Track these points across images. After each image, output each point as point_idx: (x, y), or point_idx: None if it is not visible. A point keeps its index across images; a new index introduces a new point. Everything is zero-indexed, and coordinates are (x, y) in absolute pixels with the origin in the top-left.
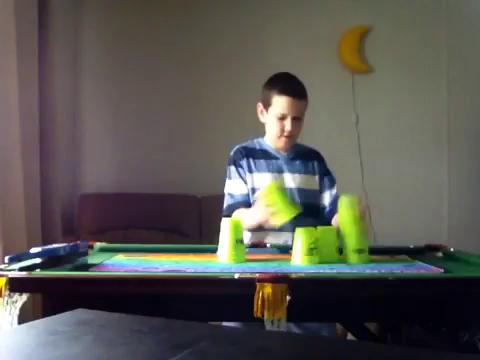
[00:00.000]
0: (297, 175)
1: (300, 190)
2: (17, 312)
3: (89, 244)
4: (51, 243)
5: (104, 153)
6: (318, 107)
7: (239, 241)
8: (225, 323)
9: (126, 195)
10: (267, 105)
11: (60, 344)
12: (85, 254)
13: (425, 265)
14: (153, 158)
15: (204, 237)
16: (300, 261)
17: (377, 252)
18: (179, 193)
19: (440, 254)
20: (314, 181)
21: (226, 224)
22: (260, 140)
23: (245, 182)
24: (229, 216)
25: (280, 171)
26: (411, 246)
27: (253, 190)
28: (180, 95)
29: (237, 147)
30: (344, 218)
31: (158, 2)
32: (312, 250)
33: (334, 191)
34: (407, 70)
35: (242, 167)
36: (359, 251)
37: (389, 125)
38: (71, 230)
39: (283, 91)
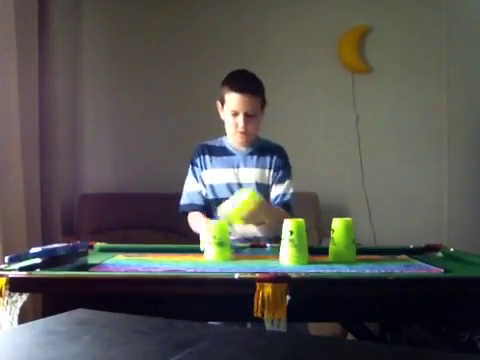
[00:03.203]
0: (252, 169)
1: (256, 184)
2: (17, 312)
3: (89, 244)
4: (51, 243)
5: (104, 153)
6: (318, 107)
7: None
8: (224, 323)
9: (126, 195)
10: (222, 102)
11: (59, 344)
12: (85, 254)
13: (425, 265)
14: (153, 158)
15: None
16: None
17: (377, 252)
18: (179, 193)
19: (440, 254)
20: (267, 175)
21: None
22: (223, 138)
23: (197, 180)
24: (184, 213)
25: (235, 166)
26: (411, 246)
27: (211, 187)
28: (180, 95)
29: (197, 145)
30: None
31: (158, 2)
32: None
33: (282, 187)
34: (407, 70)
35: (197, 165)
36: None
37: (389, 125)
38: (71, 230)
39: (233, 88)
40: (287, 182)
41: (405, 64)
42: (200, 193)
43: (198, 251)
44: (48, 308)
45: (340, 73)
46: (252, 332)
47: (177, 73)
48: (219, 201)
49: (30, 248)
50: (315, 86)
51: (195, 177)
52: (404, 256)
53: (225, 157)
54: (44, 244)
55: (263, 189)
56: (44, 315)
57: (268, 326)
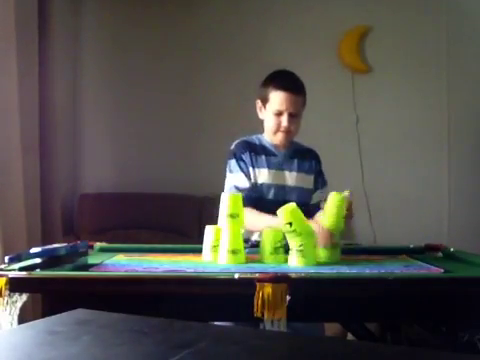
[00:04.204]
0: (295, 173)
1: (297, 188)
2: (17, 312)
3: (89, 244)
4: (51, 243)
5: (104, 153)
6: (318, 107)
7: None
8: (224, 323)
9: (126, 195)
10: (265, 101)
11: (59, 344)
12: (85, 254)
13: (425, 265)
14: (153, 158)
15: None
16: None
17: (377, 252)
18: (179, 193)
19: (440, 254)
20: (310, 180)
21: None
22: (259, 136)
23: (247, 175)
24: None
25: (279, 168)
26: (411, 246)
27: (255, 185)
28: (180, 95)
29: (239, 141)
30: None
31: (157, 2)
32: (277, 249)
33: (327, 193)
34: (407, 70)
35: (244, 161)
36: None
37: (389, 125)
38: (71, 230)
39: (279, 86)
40: (326, 187)
41: (405, 64)
42: (251, 190)
43: (198, 251)
44: (48, 308)
45: (340, 73)
46: (252, 332)
47: (177, 73)
48: (265, 202)
49: (30, 248)
50: (315, 86)
51: (243, 172)
52: (404, 256)
53: (267, 157)
54: (44, 244)
55: (306, 194)
56: (44, 315)
57: (268, 326)
